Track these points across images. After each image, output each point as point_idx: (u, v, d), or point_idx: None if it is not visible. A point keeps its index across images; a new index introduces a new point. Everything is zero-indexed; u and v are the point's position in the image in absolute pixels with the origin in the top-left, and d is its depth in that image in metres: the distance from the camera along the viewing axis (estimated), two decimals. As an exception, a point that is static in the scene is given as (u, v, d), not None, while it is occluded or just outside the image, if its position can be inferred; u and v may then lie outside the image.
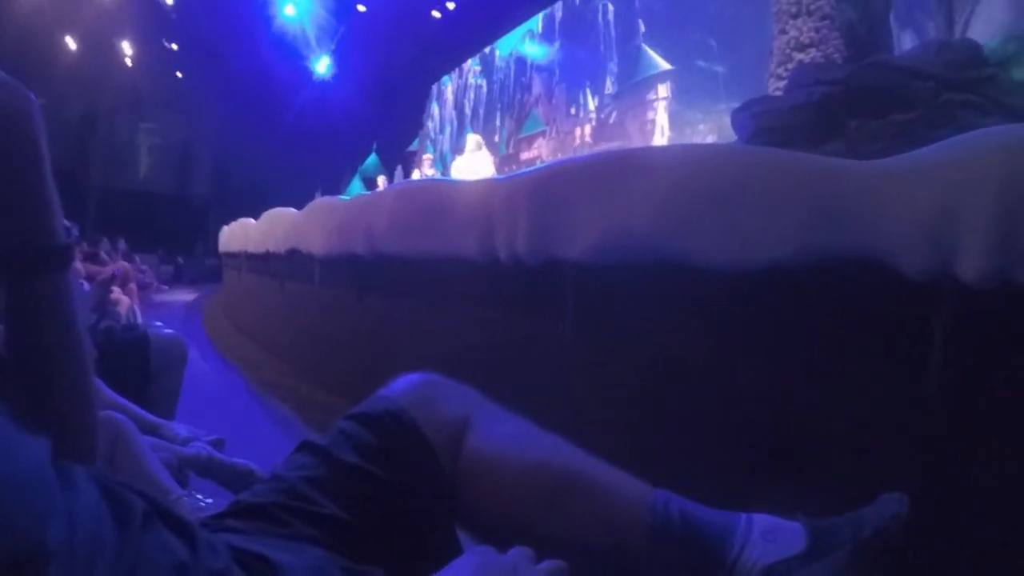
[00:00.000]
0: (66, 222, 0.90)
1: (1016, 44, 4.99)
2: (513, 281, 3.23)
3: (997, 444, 1.84)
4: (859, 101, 4.34)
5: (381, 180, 16.35)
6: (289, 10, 22.18)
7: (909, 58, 4.83)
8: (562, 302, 2.96)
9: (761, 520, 1.11)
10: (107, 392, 2.28)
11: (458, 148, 15.10)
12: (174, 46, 25.02)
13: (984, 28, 5.49)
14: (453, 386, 1.21)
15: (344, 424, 1.14)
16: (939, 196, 1.90)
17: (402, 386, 1.18)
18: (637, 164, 2.69)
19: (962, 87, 4.28)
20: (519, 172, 3.40)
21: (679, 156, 2.67)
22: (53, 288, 0.86)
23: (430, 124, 23.74)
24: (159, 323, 3.48)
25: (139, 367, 2.80)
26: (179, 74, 26.03)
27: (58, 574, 0.60)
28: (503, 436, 1.16)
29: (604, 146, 14.21)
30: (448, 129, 22.50)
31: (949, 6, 5.96)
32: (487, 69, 21.32)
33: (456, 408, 1.17)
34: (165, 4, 22.89)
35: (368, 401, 1.17)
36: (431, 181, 4.98)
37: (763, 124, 4.72)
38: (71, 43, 22.40)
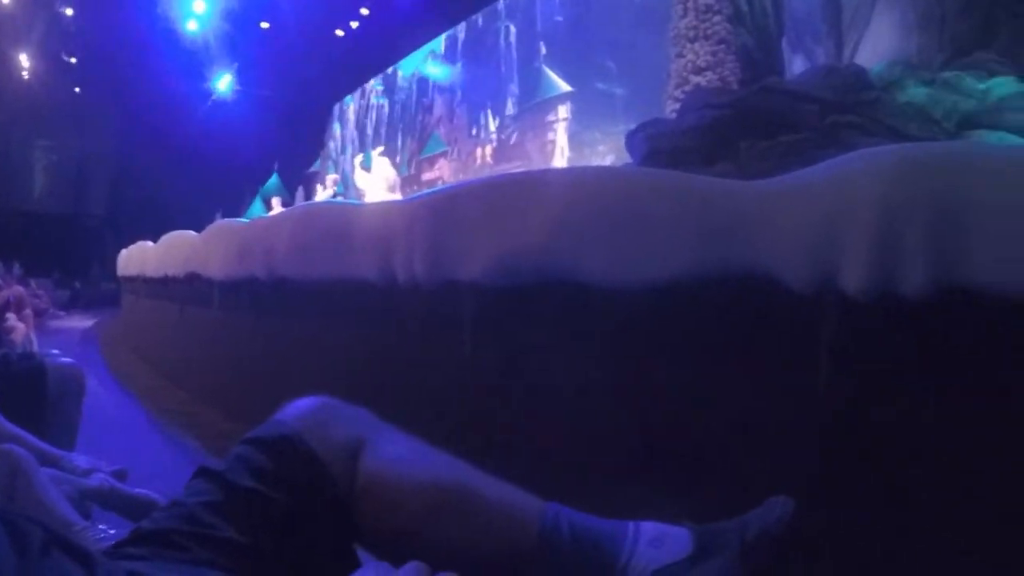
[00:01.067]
0: None
1: (901, 68, 5.21)
2: (412, 303, 3.25)
3: (880, 450, 1.93)
4: (749, 123, 4.46)
5: (275, 202, 16.15)
6: (192, 25, 21.67)
7: (797, 82, 5.01)
8: (460, 323, 2.99)
9: (648, 528, 1.15)
10: (4, 423, 2.23)
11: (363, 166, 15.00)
12: (73, 60, 24.08)
13: (871, 53, 5.72)
14: (346, 408, 1.23)
15: (240, 449, 1.15)
16: (821, 213, 1.99)
17: (296, 410, 1.19)
18: (531, 187, 2.75)
19: (847, 109, 4.44)
20: (418, 195, 3.43)
21: (572, 178, 2.74)
22: None
23: (332, 144, 23.56)
24: (56, 351, 3.39)
25: (36, 397, 2.72)
26: (77, 89, 25.09)
27: None
28: (396, 455, 1.18)
29: (505, 167, 14.32)
30: (350, 149, 22.33)
31: (839, 32, 6.19)
32: (389, 89, 21.28)
33: (350, 430, 1.18)
34: (64, 15, 22.08)
35: (263, 426, 1.18)
36: (331, 204, 4.95)
37: (656, 146, 4.82)
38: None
